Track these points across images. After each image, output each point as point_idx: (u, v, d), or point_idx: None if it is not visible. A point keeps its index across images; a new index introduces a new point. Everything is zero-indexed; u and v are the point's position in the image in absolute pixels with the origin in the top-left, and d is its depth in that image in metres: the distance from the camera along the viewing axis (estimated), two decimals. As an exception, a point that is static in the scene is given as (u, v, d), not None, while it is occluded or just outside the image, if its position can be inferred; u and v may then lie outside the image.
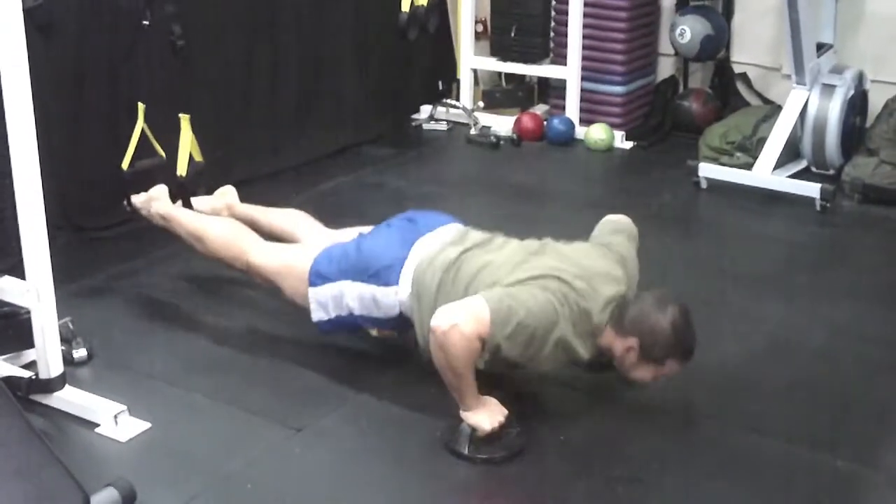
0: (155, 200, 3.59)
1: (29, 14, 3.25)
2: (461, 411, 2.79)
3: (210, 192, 3.77)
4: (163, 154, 3.77)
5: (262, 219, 3.58)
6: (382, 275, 3.00)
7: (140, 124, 3.72)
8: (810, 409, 3.04)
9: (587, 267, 2.87)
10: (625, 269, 2.96)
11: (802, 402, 3.08)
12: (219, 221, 3.50)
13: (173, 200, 3.61)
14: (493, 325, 2.65)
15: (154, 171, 3.69)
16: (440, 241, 3.04)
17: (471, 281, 2.86)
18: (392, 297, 2.99)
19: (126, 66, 4.11)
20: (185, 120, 3.79)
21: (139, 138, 3.69)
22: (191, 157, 3.76)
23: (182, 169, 3.75)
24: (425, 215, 3.21)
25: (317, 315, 3.12)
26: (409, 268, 2.99)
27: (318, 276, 3.10)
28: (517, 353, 2.73)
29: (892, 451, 2.86)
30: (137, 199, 3.63)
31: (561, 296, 2.74)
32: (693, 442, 2.89)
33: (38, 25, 3.61)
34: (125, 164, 3.72)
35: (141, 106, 3.73)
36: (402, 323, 3.04)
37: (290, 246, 3.37)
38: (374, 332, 3.13)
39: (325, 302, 3.09)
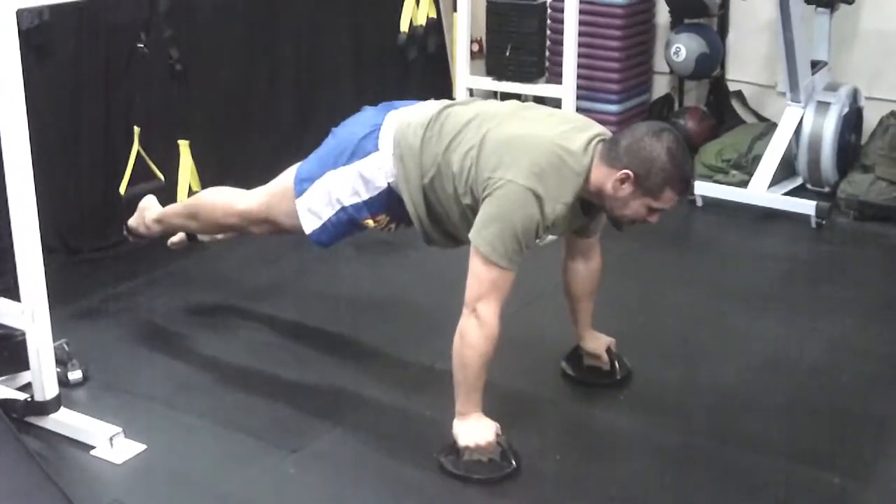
0: (146, 210, 3.58)
1: (25, 35, 3.26)
2: (455, 419, 2.79)
3: None
4: (161, 177, 3.77)
5: None
6: (361, 147, 2.93)
7: (136, 148, 3.71)
8: (808, 425, 3.04)
9: (567, 123, 2.83)
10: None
11: (800, 418, 3.08)
12: (201, 193, 3.50)
13: None
14: (504, 269, 2.66)
15: (152, 194, 3.68)
16: (417, 105, 2.99)
17: (454, 137, 2.81)
18: (376, 166, 2.91)
19: (121, 88, 4.12)
20: (184, 146, 3.78)
21: (135, 162, 3.69)
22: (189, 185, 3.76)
23: (183, 195, 3.74)
24: (402, 102, 3.10)
25: (310, 225, 3.02)
26: (388, 130, 2.92)
27: (301, 182, 3.03)
28: (535, 239, 2.73)
29: (890, 466, 2.86)
30: (132, 221, 3.63)
31: (544, 176, 2.66)
32: (690, 460, 2.88)
33: (34, 46, 3.62)
34: (122, 189, 3.71)
35: (136, 129, 3.72)
36: (394, 203, 2.94)
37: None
38: (370, 224, 3.00)
39: (314, 205, 2.99)
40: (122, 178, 3.85)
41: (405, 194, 2.88)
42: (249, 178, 4.65)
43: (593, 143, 2.75)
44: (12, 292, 2.87)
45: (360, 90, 5.34)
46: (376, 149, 2.92)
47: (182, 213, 3.45)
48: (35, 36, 3.62)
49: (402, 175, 2.87)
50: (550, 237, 2.88)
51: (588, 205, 2.81)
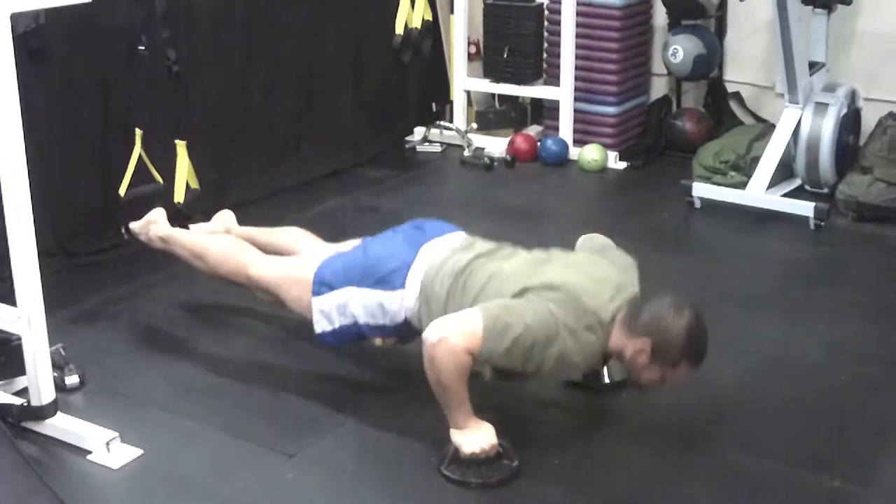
0: (153, 224, 3.56)
1: (21, 39, 3.25)
2: (451, 430, 2.77)
3: (207, 217, 3.75)
4: (160, 180, 3.76)
5: (262, 238, 3.55)
6: (388, 279, 2.99)
7: (137, 150, 3.71)
8: (806, 427, 3.03)
9: (596, 275, 2.87)
10: (630, 275, 2.97)
11: (798, 420, 3.07)
12: (218, 237, 3.50)
13: (171, 226, 3.60)
14: (485, 340, 2.65)
15: (151, 197, 3.68)
16: (448, 247, 3.03)
17: (480, 291, 2.85)
18: (398, 303, 2.98)
19: (119, 91, 4.11)
20: (181, 146, 3.78)
21: (136, 164, 3.68)
22: (187, 183, 3.76)
23: (179, 196, 3.74)
24: (432, 223, 3.19)
25: (320, 326, 3.08)
26: (417, 272, 2.98)
27: (321, 285, 3.07)
28: (517, 366, 2.73)
29: (888, 469, 2.85)
30: (135, 225, 3.61)
31: (565, 305, 2.72)
32: (689, 462, 2.87)
33: (30, 50, 3.61)
34: (122, 191, 3.70)
35: (138, 132, 3.72)
36: (406, 330, 3.02)
37: (290, 257, 3.35)
38: (377, 342, 3.09)
39: (329, 311, 3.06)
40: (119, 180, 3.85)
41: None
42: (248, 177, 4.68)
43: (619, 302, 2.81)
44: (8, 297, 2.86)
45: (359, 92, 5.34)
46: (403, 286, 2.98)
47: (190, 249, 3.42)
48: (31, 40, 3.59)
49: (427, 317, 2.90)
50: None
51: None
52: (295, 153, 5.04)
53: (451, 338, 2.65)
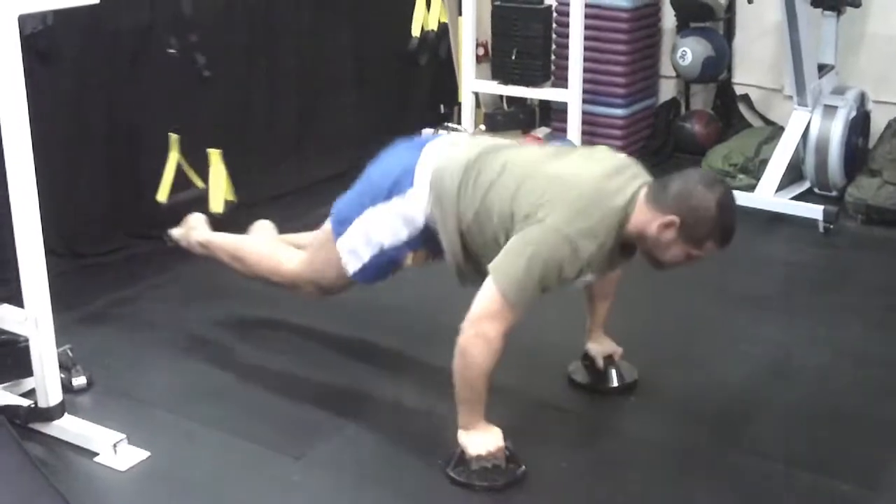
0: (193, 229, 3.55)
1: (28, 40, 3.26)
2: (459, 429, 2.77)
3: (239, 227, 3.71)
4: (202, 185, 3.74)
5: (302, 242, 3.51)
6: (398, 186, 2.94)
7: (175, 155, 3.69)
8: (811, 431, 3.02)
9: (608, 163, 2.82)
10: (643, 170, 2.89)
11: (803, 423, 3.06)
12: (251, 238, 3.49)
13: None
14: (513, 305, 2.64)
15: (193, 202, 3.66)
16: (452, 143, 3.00)
17: (491, 185, 2.79)
18: (413, 205, 2.91)
19: (125, 92, 4.11)
20: (216, 155, 3.75)
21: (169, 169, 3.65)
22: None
23: (217, 206, 3.70)
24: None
25: (352, 265, 3.04)
26: (423, 170, 2.92)
27: (340, 224, 3.05)
28: (556, 285, 2.69)
29: (893, 473, 2.84)
30: (176, 232, 3.59)
31: (572, 208, 2.65)
32: (694, 465, 2.86)
33: (38, 51, 3.61)
34: (162, 197, 3.69)
35: (175, 137, 3.70)
36: (431, 238, 2.94)
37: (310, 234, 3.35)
38: (409, 262, 3.02)
39: (356, 247, 3.02)
40: (123, 182, 3.85)
41: (442, 236, 2.89)
42: (249, 178, 4.67)
43: (636, 185, 2.74)
44: (16, 298, 2.86)
45: (363, 94, 5.33)
46: (411, 185, 2.92)
47: (228, 253, 3.41)
48: (38, 41, 3.60)
49: (440, 217, 2.87)
50: (588, 278, 2.82)
51: (629, 247, 2.80)
52: (300, 154, 5.03)
53: (487, 330, 2.64)
